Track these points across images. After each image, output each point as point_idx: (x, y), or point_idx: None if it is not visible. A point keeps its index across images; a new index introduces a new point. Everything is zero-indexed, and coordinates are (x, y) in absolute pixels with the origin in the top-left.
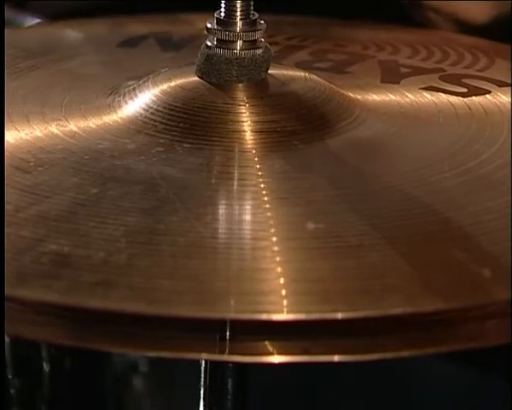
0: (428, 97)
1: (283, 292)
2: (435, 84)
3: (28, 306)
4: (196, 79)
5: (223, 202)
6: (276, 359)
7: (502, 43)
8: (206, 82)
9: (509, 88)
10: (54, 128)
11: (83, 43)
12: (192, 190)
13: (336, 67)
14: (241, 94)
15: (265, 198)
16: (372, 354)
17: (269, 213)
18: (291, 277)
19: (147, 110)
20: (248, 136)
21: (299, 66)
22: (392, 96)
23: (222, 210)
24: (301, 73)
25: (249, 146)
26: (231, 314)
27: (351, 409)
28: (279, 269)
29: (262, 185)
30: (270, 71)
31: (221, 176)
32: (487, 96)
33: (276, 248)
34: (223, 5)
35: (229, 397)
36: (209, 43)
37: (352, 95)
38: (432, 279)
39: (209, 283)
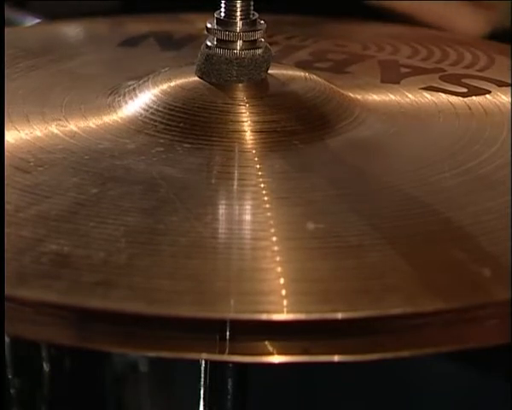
0: (428, 97)
1: (283, 292)
2: (435, 84)
3: (28, 306)
4: (196, 78)
5: (223, 201)
6: (276, 359)
7: (502, 43)
8: (206, 82)
9: (509, 88)
10: (54, 128)
11: (83, 42)
12: (192, 190)
13: (336, 67)
14: (241, 94)
15: (265, 198)
16: (372, 354)
17: (269, 213)
18: (291, 277)
19: (147, 110)
20: (248, 136)
21: (299, 66)
22: (392, 96)
23: (222, 210)
24: (301, 73)
25: (249, 146)
26: (231, 314)
27: (351, 409)
28: (279, 269)
29: (262, 185)
30: (270, 71)
31: (221, 176)
32: (487, 96)
33: (276, 248)
34: (223, 5)
35: (229, 397)
36: (209, 43)
37: (352, 95)
38: (432, 279)
39: (209, 283)
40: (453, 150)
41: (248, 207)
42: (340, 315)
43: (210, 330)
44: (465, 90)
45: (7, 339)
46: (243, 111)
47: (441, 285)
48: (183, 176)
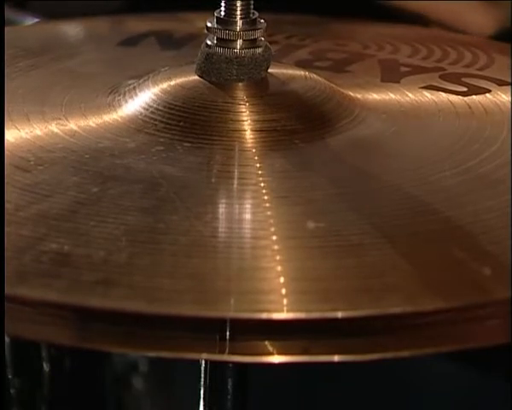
0: (428, 96)
1: (283, 291)
2: (435, 83)
3: (28, 305)
4: (196, 77)
5: (223, 200)
6: (276, 359)
7: (502, 42)
8: (207, 81)
9: (509, 87)
10: (54, 127)
11: (83, 41)
12: (192, 188)
13: (336, 66)
14: (241, 93)
15: (265, 197)
16: (372, 354)
17: (269, 212)
18: (291, 276)
19: (147, 109)
20: (248, 135)
21: (300, 65)
22: (392, 95)
23: (222, 209)
24: (301, 72)
25: (249, 145)
26: (231, 313)
27: (351, 409)
28: (279, 268)
29: (262, 184)
30: (270, 70)
31: (221, 175)
32: (487, 94)
33: (276, 247)
34: (223, 4)
35: (229, 397)
36: (209, 42)
37: (352, 94)
38: (432, 278)
39: (209, 282)
40: (453, 149)
41: (248, 206)
42: (340, 314)
43: (210, 330)
44: (465, 89)
45: (7, 339)
46: (243, 110)
47: (441, 284)
48: (183, 175)
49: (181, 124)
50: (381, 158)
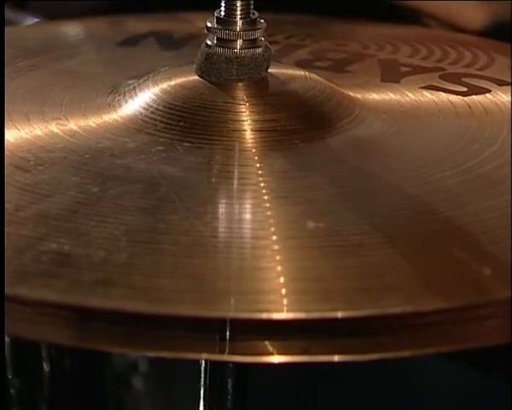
0: (428, 96)
1: (283, 291)
2: (435, 83)
3: (28, 305)
4: (196, 77)
5: (223, 200)
6: (276, 359)
7: (501, 42)
8: (207, 81)
9: (509, 87)
10: (54, 127)
11: (83, 42)
12: (192, 188)
13: (336, 66)
14: (241, 93)
15: (265, 197)
16: (372, 354)
17: (269, 212)
18: (291, 276)
19: (147, 109)
20: (248, 135)
21: (300, 65)
22: (392, 95)
23: (222, 209)
24: (301, 72)
25: (249, 145)
26: (231, 313)
27: (351, 409)
28: (279, 268)
29: (262, 184)
30: (270, 70)
31: (221, 175)
32: (487, 95)
33: (276, 247)
34: (223, 4)
35: (229, 397)
36: (209, 42)
37: (352, 94)
38: (432, 278)
39: (209, 282)
40: (453, 149)
41: (248, 206)
42: (340, 314)
43: (210, 330)
44: (465, 89)
45: (7, 339)
46: (243, 110)
47: (441, 284)
48: (183, 175)
49: (181, 124)
50: (381, 158)
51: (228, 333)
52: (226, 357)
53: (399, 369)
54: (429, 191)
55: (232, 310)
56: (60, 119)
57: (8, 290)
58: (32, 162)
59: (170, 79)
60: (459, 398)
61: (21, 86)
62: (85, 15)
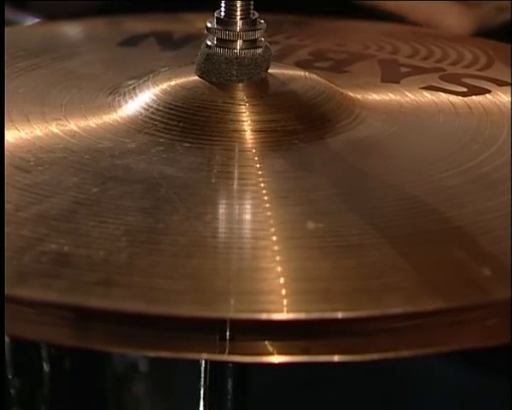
0: (428, 97)
1: (283, 291)
2: (435, 84)
3: (28, 305)
4: (196, 78)
5: (223, 201)
6: (276, 359)
7: (501, 43)
8: (207, 81)
9: (509, 87)
10: (54, 127)
11: (83, 42)
12: (192, 189)
13: (336, 67)
14: (241, 93)
15: (265, 197)
16: (372, 354)
17: (269, 213)
18: (291, 276)
19: (147, 109)
20: (248, 135)
21: (299, 65)
22: (392, 96)
23: (222, 209)
24: (301, 73)
25: (249, 145)
26: (231, 314)
27: (351, 409)
28: (279, 268)
29: (262, 185)
30: (270, 70)
31: (221, 175)
32: (487, 95)
33: (276, 248)
34: (223, 4)
35: (229, 397)
36: (209, 43)
37: (352, 94)
38: (432, 278)
39: (209, 282)
40: (453, 150)
41: (248, 206)
42: (340, 314)
43: (210, 330)
44: (465, 89)
45: (7, 339)
46: (243, 110)
47: (441, 284)
48: (183, 175)
49: (181, 124)
50: (381, 158)
51: (228, 333)
52: (226, 357)
53: (399, 369)
54: (429, 191)
55: (232, 310)
56: (60, 119)
57: (8, 290)
58: (31, 163)
59: (170, 79)
60: (459, 398)
61: (21, 86)
62: (85, 15)
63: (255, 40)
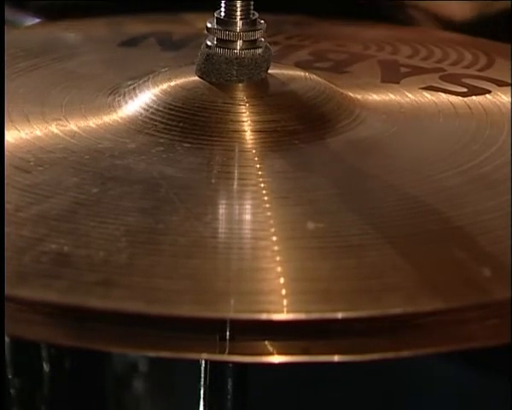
0: (428, 97)
1: (283, 292)
2: (435, 84)
3: (28, 305)
4: (196, 78)
5: (223, 201)
6: (276, 359)
7: (502, 43)
8: (207, 82)
9: (509, 88)
10: (54, 128)
11: (83, 42)
12: (192, 189)
13: (336, 67)
14: (241, 93)
15: (265, 198)
16: (372, 354)
17: (269, 213)
18: (291, 276)
19: (147, 110)
20: (248, 135)
21: (299, 65)
22: (392, 96)
23: (222, 210)
24: (301, 73)
25: (249, 146)
26: (231, 314)
27: (351, 409)
28: (279, 269)
29: (262, 185)
30: (270, 70)
31: (221, 175)
32: (487, 95)
33: (276, 248)
34: (223, 5)
35: (229, 397)
36: (209, 43)
37: (352, 94)
38: (432, 278)
39: (209, 282)
40: (453, 150)
41: (248, 206)
42: (340, 315)
43: (210, 330)
44: (465, 89)
45: (7, 339)
46: (243, 111)
47: (441, 285)
48: (183, 176)
49: (181, 125)
50: (381, 158)
51: (228, 333)
52: (226, 357)
53: (399, 369)
54: (429, 192)
55: (232, 311)
56: (60, 119)
57: (8, 291)
58: (31, 163)
59: (170, 79)
60: (459, 398)
61: (21, 87)
62: (85, 16)
63: (255, 40)
